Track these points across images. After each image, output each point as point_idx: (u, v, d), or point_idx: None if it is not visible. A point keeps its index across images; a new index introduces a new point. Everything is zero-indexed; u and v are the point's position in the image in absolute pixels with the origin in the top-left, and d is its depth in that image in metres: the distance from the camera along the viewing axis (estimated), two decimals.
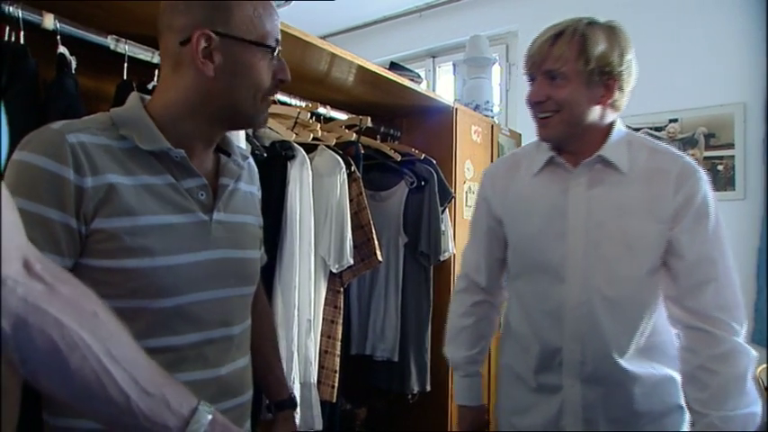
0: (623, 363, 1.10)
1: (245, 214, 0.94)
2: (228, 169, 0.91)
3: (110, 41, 1.30)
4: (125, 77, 1.34)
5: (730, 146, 2.45)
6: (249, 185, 1.00)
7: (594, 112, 1.11)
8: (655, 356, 1.13)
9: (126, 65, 1.34)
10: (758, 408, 1.02)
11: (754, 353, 1.05)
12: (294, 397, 1.17)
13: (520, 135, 2.78)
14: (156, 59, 1.38)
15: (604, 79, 1.08)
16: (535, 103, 1.11)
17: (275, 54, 0.86)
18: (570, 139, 1.13)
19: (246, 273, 0.93)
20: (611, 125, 1.14)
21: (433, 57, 3.65)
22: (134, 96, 0.86)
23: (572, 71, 1.06)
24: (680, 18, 2.57)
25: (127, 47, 1.33)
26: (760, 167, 2.35)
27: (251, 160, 1.04)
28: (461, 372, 1.40)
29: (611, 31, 1.09)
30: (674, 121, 2.58)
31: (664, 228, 1.07)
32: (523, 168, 1.24)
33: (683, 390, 1.09)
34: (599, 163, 1.13)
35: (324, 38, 3.97)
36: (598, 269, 1.10)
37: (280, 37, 0.88)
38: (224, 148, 0.94)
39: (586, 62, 1.06)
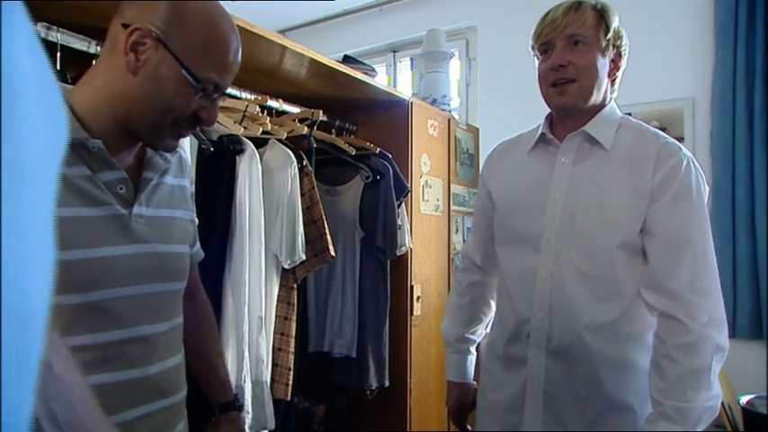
0: (590, 339, 1.09)
1: (171, 208, 0.91)
2: (153, 163, 0.89)
3: (39, 29, 1.24)
4: (58, 68, 1.28)
5: (681, 139, 2.52)
6: (178, 179, 0.96)
7: (603, 85, 1.15)
8: (631, 345, 1.11)
9: (59, 54, 1.28)
10: (716, 402, 1.01)
11: (723, 346, 1.02)
12: (238, 398, 1.12)
13: (477, 129, 2.78)
14: (92, 49, 1.33)
15: (614, 53, 1.15)
16: (558, 68, 1.12)
17: (210, 95, 0.83)
18: (579, 110, 1.14)
19: (173, 268, 0.90)
20: (604, 106, 1.17)
21: (394, 51, 3.64)
22: None
23: (593, 38, 1.11)
24: (632, 17, 2.61)
25: (59, 35, 1.27)
26: (708, 160, 2.42)
27: (182, 152, 1.01)
28: (451, 348, 1.44)
29: (617, 13, 1.16)
30: (628, 114, 2.63)
31: (641, 203, 1.07)
32: (520, 147, 1.28)
33: (648, 378, 1.07)
34: (585, 140, 1.15)
35: (283, 32, 3.94)
36: (572, 241, 1.11)
37: (225, 89, 0.86)
38: None
39: (606, 31, 1.12)
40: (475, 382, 1.45)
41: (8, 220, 0.25)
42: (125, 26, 0.78)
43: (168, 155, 0.91)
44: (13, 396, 0.25)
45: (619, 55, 1.16)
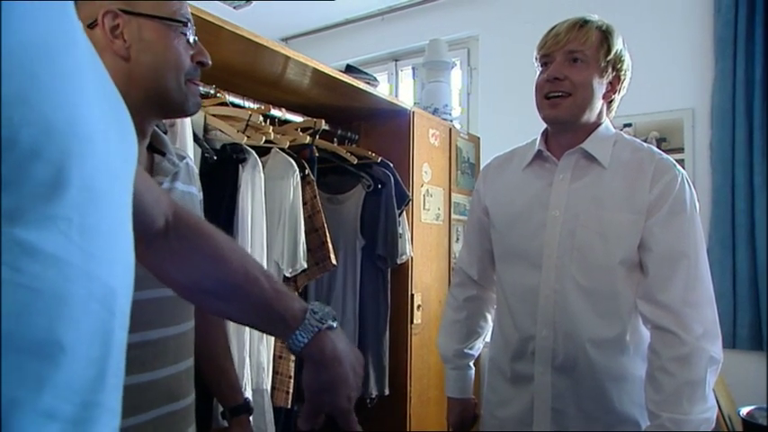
0: (594, 353, 1.10)
1: None
2: (162, 168, 0.90)
3: None
4: None
5: (681, 150, 2.53)
6: (187, 185, 0.97)
7: (596, 106, 1.16)
8: (634, 357, 1.12)
9: None
10: (712, 414, 1.02)
11: (717, 358, 1.03)
12: (249, 402, 1.14)
13: (479, 139, 2.80)
14: None
15: (613, 75, 1.16)
16: (553, 80, 1.13)
17: (188, 33, 0.85)
18: (571, 125, 1.16)
19: None
20: (599, 124, 1.19)
21: (396, 60, 3.66)
22: None
23: (593, 57, 1.12)
24: (632, 28, 2.63)
25: None
26: (708, 170, 2.43)
27: (189, 160, 1.02)
28: (450, 364, 1.43)
29: (622, 37, 1.17)
30: (629, 125, 2.64)
31: (638, 219, 1.09)
32: (515, 162, 1.29)
33: (644, 390, 1.08)
34: (583, 158, 1.17)
35: (286, 40, 3.95)
36: (573, 257, 1.13)
37: (191, 17, 0.87)
38: (158, 148, 0.92)
39: (607, 52, 1.13)
40: (474, 397, 1.46)
41: (90, 230, 0.31)
42: (91, 25, 0.78)
43: (176, 159, 0.92)
44: (102, 359, 0.33)
45: (618, 78, 1.17)
